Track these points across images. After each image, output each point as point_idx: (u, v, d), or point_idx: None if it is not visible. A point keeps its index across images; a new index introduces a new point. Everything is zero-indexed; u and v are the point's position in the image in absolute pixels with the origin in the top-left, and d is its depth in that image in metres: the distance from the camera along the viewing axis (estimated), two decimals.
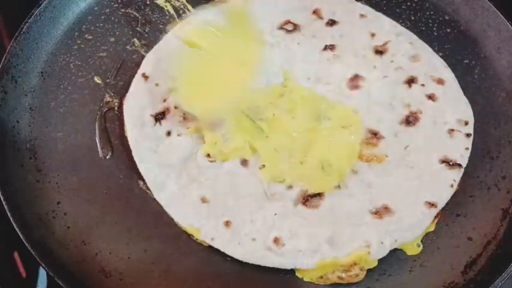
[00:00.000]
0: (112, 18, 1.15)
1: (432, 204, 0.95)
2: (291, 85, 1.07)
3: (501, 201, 1.00)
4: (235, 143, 0.99)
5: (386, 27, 1.15)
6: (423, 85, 1.07)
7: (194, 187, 0.96)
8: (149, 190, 0.97)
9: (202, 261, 0.92)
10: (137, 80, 1.06)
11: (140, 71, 1.07)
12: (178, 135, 1.01)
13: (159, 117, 1.02)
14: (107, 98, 1.06)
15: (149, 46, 1.12)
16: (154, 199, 0.96)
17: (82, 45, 1.11)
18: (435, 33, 1.17)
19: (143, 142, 1.00)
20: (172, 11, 1.17)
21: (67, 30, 1.12)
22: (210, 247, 0.92)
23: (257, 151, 0.99)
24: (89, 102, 1.05)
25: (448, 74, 1.11)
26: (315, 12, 1.16)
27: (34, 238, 0.90)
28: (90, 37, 1.12)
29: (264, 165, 0.98)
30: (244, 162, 0.99)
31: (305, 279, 0.91)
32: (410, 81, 1.07)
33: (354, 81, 1.08)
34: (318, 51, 1.11)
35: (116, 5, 1.17)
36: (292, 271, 0.91)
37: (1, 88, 1.01)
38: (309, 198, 0.95)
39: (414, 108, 1.05)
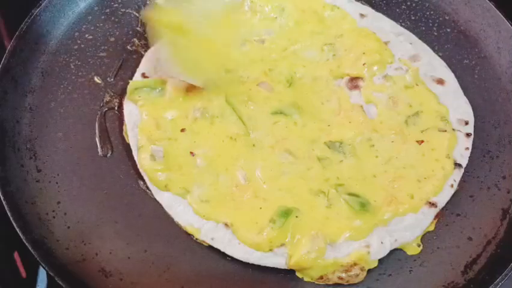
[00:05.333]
0: (112, 18, 1.15)
1: (432, 204, 0.96)
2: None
3: (501, 201, 1.00)
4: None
5: (386, 27, 1.16)
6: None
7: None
8: (149, 190, 0.97)
9: (202, 261, 0.92)
10: (137, 79, 1.06)
11: (139, 71, 1.07)
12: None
13: None
14: (107, 98, 1.06)
15: (149, 46, 1.11)
16: (154, 199, 0.96)
17: (82, 45, 1.11)
18: (435, 33, 1.18)
19: None
20: None
21: (66, 30, 1.12)
22: (210, 247, 0.92)
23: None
24: (89, 102, 1.05)
25: (448, 74, 1.11)
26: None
27: (34, 238, 0.90)
28: (90, 37, 1.12)
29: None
30: None
31: (305, 279, 0.91)
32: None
33: (354, 81, 1.08)
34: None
35: (116, 5, 1.17)
36: (292, 271, 0.91)
37: (1, 88, 1.01)
38: None
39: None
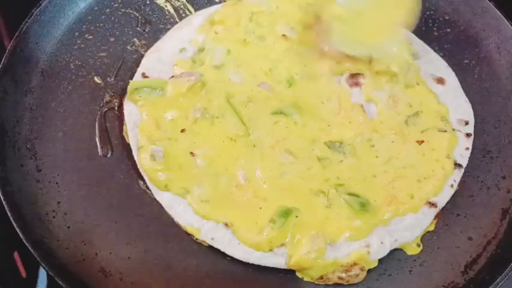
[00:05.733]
0: (112, 18, 1.15)
1: (432, 204, 0.96)
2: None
3: (501, 201, 1.00)
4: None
5: None
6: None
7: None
8: (150, 190, 0.97)
9: (202, 261, 0.92)
10: (137, 79, 1.06)
11: (140, 71, 1.07)
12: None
13: None
14: (107, 98, 1.06)
15: (149, 46, 1.11)
16: (154, 199, 0.96)
17: (82, 45, 1.11)
18: (435, 33, 1.18)
19: None
20: (172, 11, 1.17)
21: (66, 30, 1.12)
22: (210, 247, 0.92)
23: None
24: (89, 102, 1.05)
25: (448, 73, 1.11)
26: None
27: (34, 238, 0.90)
28: (90, 37, 1.12)
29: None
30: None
31: (305, 279, 0.91)
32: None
33: (355, 78, 1.07)
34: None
35: (116, 5, 1.17)
36: (292, 271, 0.91)
37: (1, 88, 1.01)
38: None
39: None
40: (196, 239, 0.93)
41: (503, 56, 1.13)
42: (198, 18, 1.15)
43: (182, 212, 0.94)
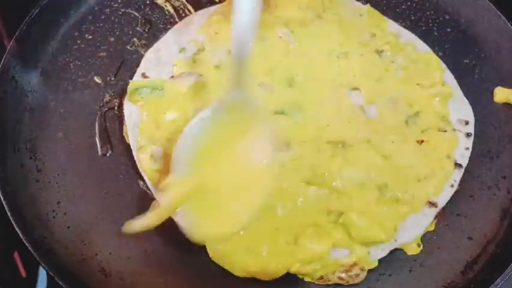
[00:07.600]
0: (112, 18, 1.15)
1: (432, 204, 0.96)
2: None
3: (501, 201, 1.00)
4: None
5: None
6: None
7: None
8: (150, 190, 0.97)
9: (202, 261, 0.92)
10: (137, 79, 1.06)
11: (140, 71, 1.07)
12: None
13: None
14: (107, 98, 1.06)
15: (149, 46, 1.12)
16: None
17: (82, 45, 1.11)
18: (435, 33, 1.18)
19: None
20: (172, 11, 1.17)
21: (66, 30, 1.12)
22: None
23: None
24: (89, 102, 1.05)
25: (447, 74, 1.11)
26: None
27: (34, 238, 0.90)
28: (90, 37, 1.12)
29: None
30: None
31: (305, 280, 0.91)
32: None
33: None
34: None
35: (116, 5, 1.17)
36: None
37: (1, 88, 1.01)
38: None
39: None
40: None
41: (503, 56, 1.13)
42: (198, 18, 1.15)
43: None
